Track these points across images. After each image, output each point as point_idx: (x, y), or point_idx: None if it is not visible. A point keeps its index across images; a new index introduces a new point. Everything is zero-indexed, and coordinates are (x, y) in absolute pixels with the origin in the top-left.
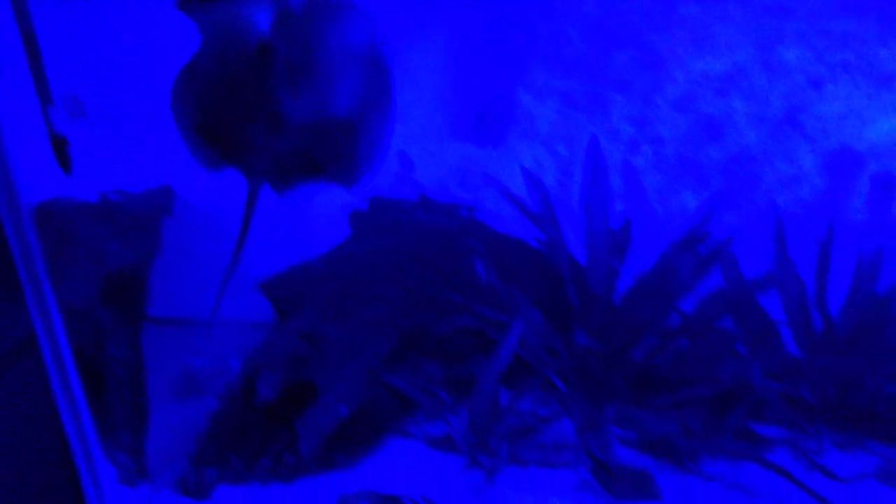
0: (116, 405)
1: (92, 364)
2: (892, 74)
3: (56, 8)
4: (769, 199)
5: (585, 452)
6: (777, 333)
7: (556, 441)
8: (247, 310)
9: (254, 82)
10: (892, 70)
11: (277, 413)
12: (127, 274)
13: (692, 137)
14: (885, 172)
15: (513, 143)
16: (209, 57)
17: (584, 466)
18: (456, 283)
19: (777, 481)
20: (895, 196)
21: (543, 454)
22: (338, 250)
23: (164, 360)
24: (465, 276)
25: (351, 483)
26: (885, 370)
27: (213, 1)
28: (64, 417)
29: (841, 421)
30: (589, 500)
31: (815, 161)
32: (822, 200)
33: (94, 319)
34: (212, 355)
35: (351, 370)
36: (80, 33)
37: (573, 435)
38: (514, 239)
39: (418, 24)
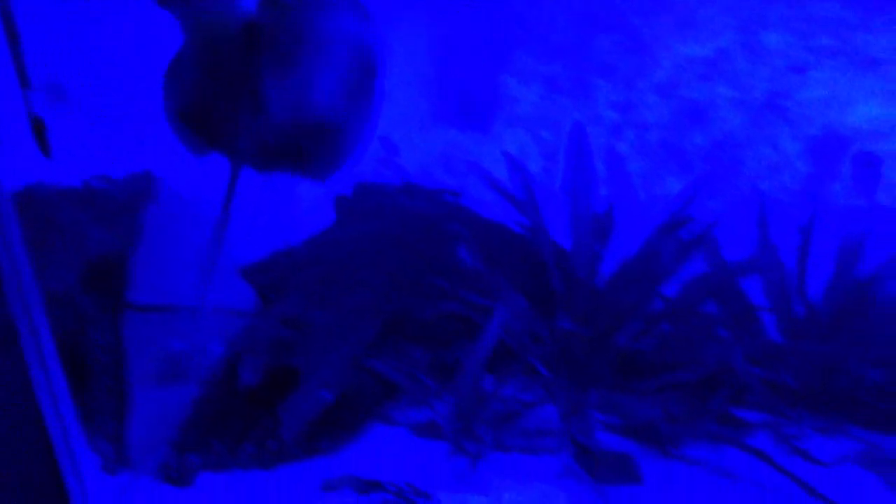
0: (97, 392)
1: (73, 350)
2: (875, 59)
3: None
4: (752, 185)
5: (569, 437)
6: (759, 318)
7: (539, 426)
8: (230, 296)
9: (239, 63)
10: (874, 55)
11: (260, 399)
12: (109, 260)
13: (676, 123)
14: (868, 152)
15: (497, 129)
16: (195, 37)
17: (567, 452)
18: (440, 268)
19: (758, 466)
20: (878, 175)
21: (527, 440)
22: (322, 236)
23: (145, 347)
24: (450, 261)
25: (334, 469)
26: (866, 355)
27: None
28: (44, 404)
29: (822, 406)
30: (572, 485)
31: (797, 146)
32: (805, 186)
33: (76, 306)
34: (194, 341)
35: (335, 355)
36: (61, 18)
37: (557, 420)
38: (499, 224)
39: (403, 9)
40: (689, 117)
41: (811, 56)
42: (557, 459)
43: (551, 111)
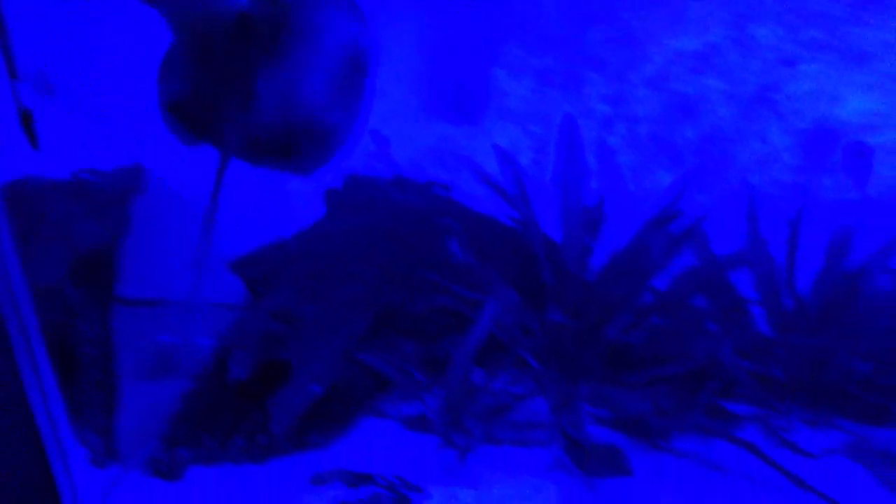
0: (87, 386)
1: (62, 344)
2: (864, 53)
3: None
4: (742, 178)
5: (559, 430)
6: (748, 312)
7: (529, 419)
8: (220, 290)
9: (231, 55)
10: (864, 49)
11: (250, 392)
12: (98, 253)
13: (666, 116)
14: (859, 142)
15: (488, 122)
16: (187, 28)
17: (557, 444)
18: (431, 261)
19: (748, 458)
20: (869, 164)
21: (517, 433)
22: (312, 229)
23: (134, 340)
24: (440, 254)
25: (325, 463)
26: (855, 348)
27: None
28: (33, 398)
29: (811, 398)
30: (562, 478)
31: (787, 140)
32: (795, 179)
33: (65, 299)
34: (183, 335)
35: (325, 349)
36: (49, 9)
37: (547, 413)
38: (490, 217)
39: (395, 2)
40: (679, 111)
41: (801, 50)
42: (548, 452)
43: (542, 104)
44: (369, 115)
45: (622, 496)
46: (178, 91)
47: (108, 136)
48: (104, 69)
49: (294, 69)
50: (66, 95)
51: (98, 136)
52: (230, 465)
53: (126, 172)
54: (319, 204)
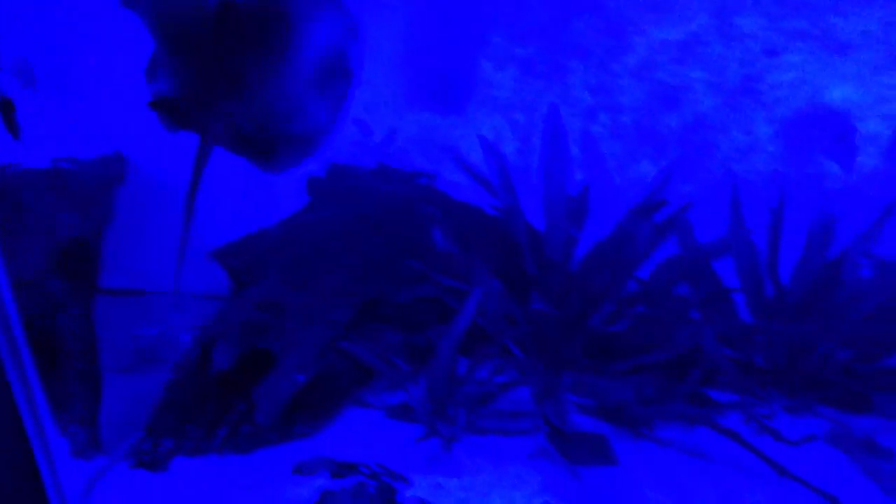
0: (69, 376)
1: (43, 335)
2: (847, 43)
3: None
4: (725, 167)
5: (542, 419)
6: (731, 300)
7: (513, 408)
8: (203, 280)
9: (214, 43)
10: (846, 39)
11: (234, 382)
12: (79, 243)
13: (650, 106)
14: (843, 125)
15: (472, 112)
16: (170, 19)
17: (541, 433)
18: (415, 251)
19: (730, 446)
20: (853, 146)
21: (501, 422)
22: (295, 218)
23: (117, 331)
24: (424, 244)
25: (309, 452)
26: (834, 335)
27: None
28: (14, 389)
29: (792, 386)
30: (546, 466)
31: (770, 129)
32: (777, 168)
33: (46, 290)
34: (165, 326)
35: (309, 339)
36: (30, 1)
37: (530, 402)
38: (474, 207)
39: None
40: (663, 100)
41: (784, 40)
42: (531, 441)
43: (526, 94)
44: (349, 111)
45: (606, 484)
46: (162, 83)
47: (89, 126)
48: (86, 59)
49: (276, 61)
50: (48, 85)
51: (79, 126)
52: (215, 456)
53: (108, 162)
54: (302, 193)
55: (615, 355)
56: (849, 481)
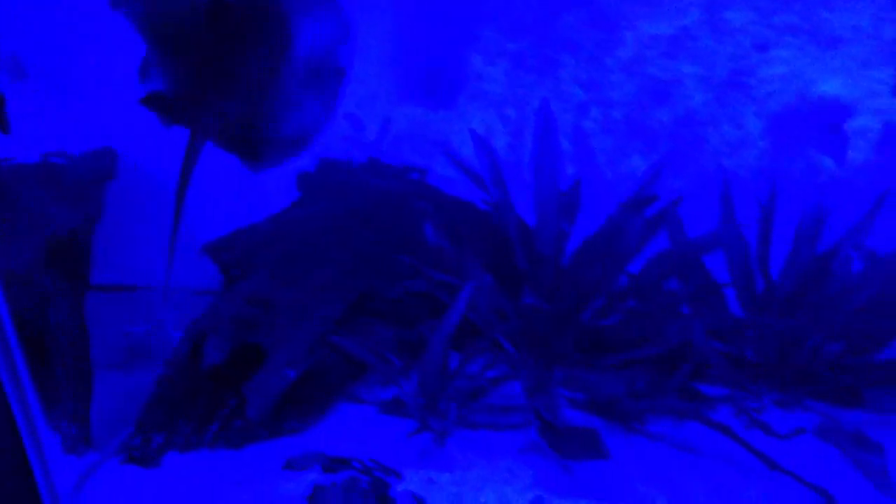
0: (59, 373)
1: (34, 331)
2: (837, 37)
3: None
4: (716, 162)
5: (534, 414)
6: (721, 294)
7: (505, 403)
8: (194, 275)
9: (207, 39)
10: (836, 33)
11: (225, 378)
12: (70, 238)
13: (641, 100)
14: (834, 117)
15: (463, 106)
16: (161, 16)
17: (533, 428)
18: (406, 245)
19: (720, 440)
20: (845, 138)
21: (492, 416)
22: (286, 212)
23: (108, 326)
24: (415, 238)
25: (301, 448)
26: (824, 329)
27: None
28: (5, 386)
29: (782, 380)
30: (538, 461)
31: (760, 124)
32: (767, 163)
33: (36, 285)
34: (156, 322)
35: (300, 333)
36: None
37: (522, 397)
38: (465, 202)
39: None
40: (654, 95)
41: (774, 34)
42: (523, 435)
43: (517, 88)
44: (340, 106)
45: (597, 478)
46: (155, 81)
47: (80, 121)
48: (76, 54)
49: (267, 58)
50: (38, 80)
51: (70, 121)
52: (206, 451)
53: (98, 157)
54: (293, 188)
55: (606, 350)
56: (839, 475)
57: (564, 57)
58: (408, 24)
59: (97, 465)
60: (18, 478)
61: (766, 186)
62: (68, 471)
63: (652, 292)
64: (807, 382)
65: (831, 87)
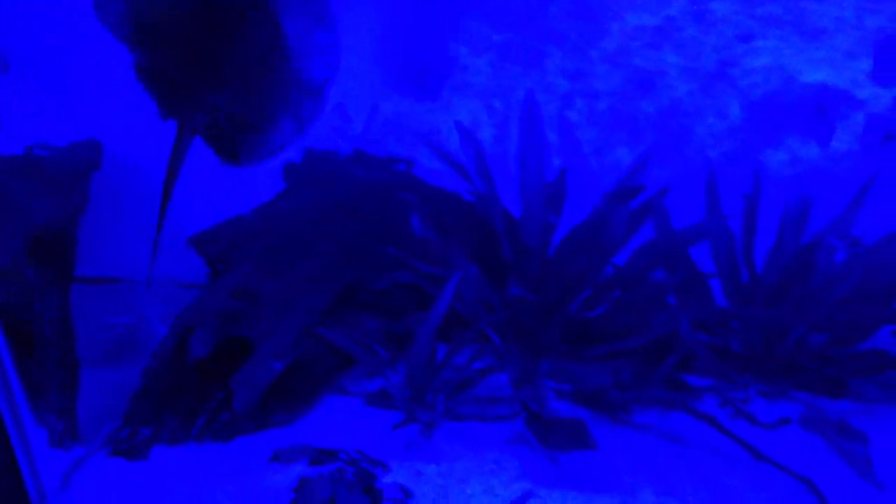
0: (45, 366)
1: (19, 324)
2: (820, 28)
3: None
4: (701, 152)
5: (521, 405)
6: (706, 285)
7: (491, 394)
8: (178, 269)
9: (197, 31)
10: (819, 24)
11: (212, 371)
12: (54, 230)
13: (626, 91)
14: (818, 100)
15: (449, 98)
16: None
17: (519, 419)
18: (392, 237)
19: (706, 430)
20: (832, 122)
21: (479, 408)
22: (272, 204)
23: (93, 320)
24: (402, 230)
25: (288, 440)
26: (809, 320)
27: None
28: None
29: (767, 371)
30: (525, 452)
31: (744, 114)
32: (752, 153)
33: (21, 277)
34: (141, 314)
35: (286, 326)
36: None
37: (509, 388)
38: (451, 193)
39: None
40: (638, 86)
41: (758, 25)
42: (510, 427)
43: (503, 80)
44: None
45: (584, 469)
46: (149, 63)
47: (64, 113)
48: (61, 45)
49: (255, 54)
50: (22, 71)
51: (54, 113)
52: (193, 444)
53: (82, 149)
54: (279, 179)
55: (592, 341)
56: (824, 464)
57: (550, 48)
58: (394, 16)
59: (84, 458)
60: (5, 473)
61: (751, 177)
62: (55, 465)
63: (638, 283)
64: (791, 373)
65: (815, 77)
